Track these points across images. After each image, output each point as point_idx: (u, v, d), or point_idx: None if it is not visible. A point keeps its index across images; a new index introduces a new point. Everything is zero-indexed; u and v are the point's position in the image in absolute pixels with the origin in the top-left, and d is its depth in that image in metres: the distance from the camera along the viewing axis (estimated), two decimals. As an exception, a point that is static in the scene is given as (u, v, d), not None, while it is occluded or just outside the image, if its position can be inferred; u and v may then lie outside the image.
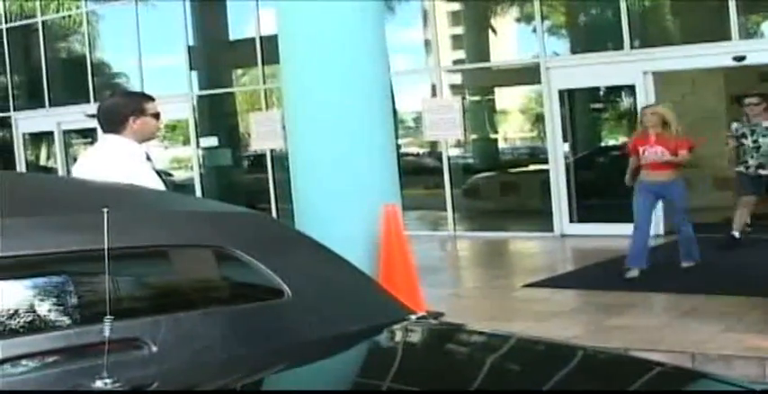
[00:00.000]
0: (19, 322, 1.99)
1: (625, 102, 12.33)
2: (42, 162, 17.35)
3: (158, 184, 4.32)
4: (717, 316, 6.35)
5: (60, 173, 16.14)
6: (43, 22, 16.26)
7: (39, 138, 17.22)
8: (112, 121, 4.61)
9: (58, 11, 16.28)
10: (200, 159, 14.95)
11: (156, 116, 4.67)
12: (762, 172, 9.15)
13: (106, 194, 2.53)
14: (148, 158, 4.66)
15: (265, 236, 2.45)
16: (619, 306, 6.75)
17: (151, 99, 4.83)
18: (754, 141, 9.19)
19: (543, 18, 11.93)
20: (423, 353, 2.45)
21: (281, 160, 12.92)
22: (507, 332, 2.84)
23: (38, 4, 16.26)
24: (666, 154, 7.72)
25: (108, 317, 1.90)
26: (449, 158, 12.71)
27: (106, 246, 1.93)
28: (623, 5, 10.94)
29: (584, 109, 12.79)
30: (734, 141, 9.35)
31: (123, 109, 4.63)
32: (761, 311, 6.28)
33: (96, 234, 1.98)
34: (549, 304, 5.65)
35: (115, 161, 4.39)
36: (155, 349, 2.02)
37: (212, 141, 14.76)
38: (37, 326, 2.01)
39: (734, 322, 6.13)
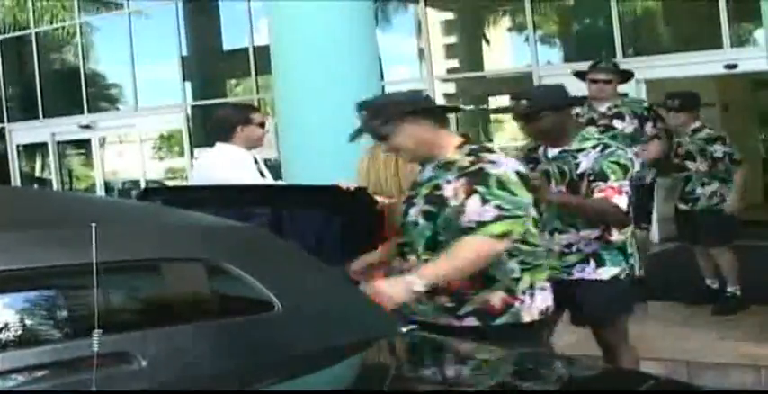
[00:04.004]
0: (8, 336, 1.99)
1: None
2: (37, 173, 17.31)
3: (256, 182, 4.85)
4: (711, 324, 6.34)
5: (55, 184, 16.13)
6: (36, 34, 16.25)
7: (33, 150, 17.18)
8: (222, 131, 5.08)
9: (51, 22, 16.27)
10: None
11: (262, 125, 5.13)
12: None
13: (96, 208, 2.53)
14: (256, 162, 5.10)
15: (256, 249, 2.45)
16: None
17: (256, 110, 5.46)
18: None
19: (536, 27, 11.95)
20: (413, 366, 2.45)
21: (274, 169, 12.89)
22: (499, 345, 2.82)
23: (31, 15, 16.26)
24: None
25: (97, 331, 1.90)
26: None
27: (95, 261, 1.93)
28: (615, 14, 10.96)
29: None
30: None
31: (232, 119, 5.10)
32: (755, 319, 6.27)
33: (86, 248, 1.98)
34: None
35: (225, 166, 4.88)
36: (144, 363, 2.02)
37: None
38: (26, 340, 2.00)
39: (728, 330, 6.12)
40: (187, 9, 14.64)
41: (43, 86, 16.14)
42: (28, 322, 2.06)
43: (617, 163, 4.08)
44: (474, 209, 3.27)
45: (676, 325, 6.40)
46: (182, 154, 15.12)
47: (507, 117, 15.34)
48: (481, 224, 3.23)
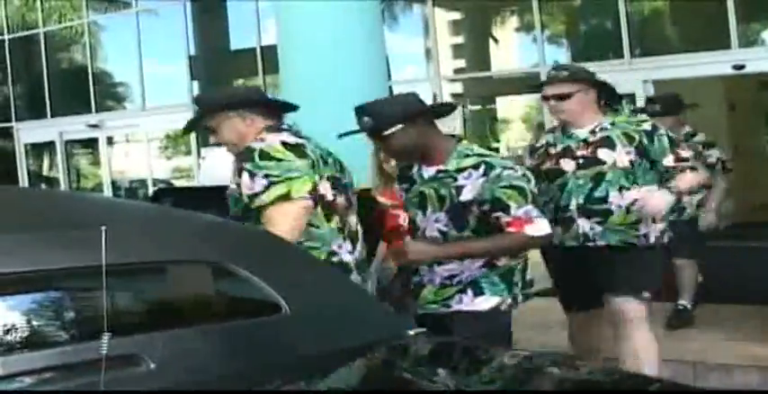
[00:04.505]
0: (17, 339, 2.00)
1: (626, 110, 12.32)
2: (45, 172, 17.36)
3: None
4: (716, 324, 6.34)
5: (62, 183, 16.17)
6: (45, 33, 16.30)
7: (40, 149, 17.23)
8: None
9: (60, 21, 16.31)
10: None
11: None
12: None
13: (103, 210, 2.54)
14: None
15: (264, 251, 2.46)
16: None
17: None
18: None
19: (543, 27, 11.95)
20: (420, 369, 2.46)
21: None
22: (504, 347, 2.84)
23: (40, 15, 16.30)
24: None
25: (106, 333, 1.91)
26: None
27: (104, 264, 1.94)
28: (623, 14, 10.96)
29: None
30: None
31: None
32: (760, 319, 6.27)
33: (93, 250, 1.99)
34: (548, 314, 5.63)
35: (229, 166, 4.79)
36: (153, 366, 2.03)
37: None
38: (34, 342, 2.01)
39: (733, 331, 6.12)
40: (195, 8, 14.67)
41: (51, 85, 16.18)
42: (36, 325, 2.07)
43: (511, 186, 3.53)
44: (246, 184, 3.40)
45: (681, 325, 6.41)
46: (188, 153, 15.15)
47: (514, 117, 15.40)
48: (254, 196, 3.37)
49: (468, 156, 3.65)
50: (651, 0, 11.70)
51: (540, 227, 3.54)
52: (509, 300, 3.68)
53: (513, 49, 13.70)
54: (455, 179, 3.61)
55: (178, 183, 15.73)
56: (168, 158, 16.42)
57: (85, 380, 1.93)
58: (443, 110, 4.02)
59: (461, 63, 14.33)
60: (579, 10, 12.45)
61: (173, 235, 2.35)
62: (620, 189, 4.36)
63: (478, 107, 14.22)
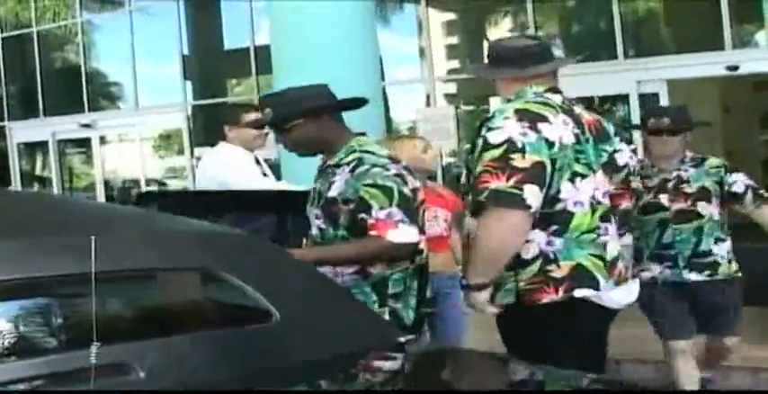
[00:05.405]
0: (5, 347, 1.98)
1: (620, 111, 12.33)
2: (37, 172, 17.30)
3: (256, 184, 4.82)
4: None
5: (55, 182, 16.12)
6: (38, 32, 16.25)
7: (33, 148, 17.17)
8: (220, 130, 5.15)
9: (54, 21, 16.27)
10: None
11: (256, 126, 4.89)
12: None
13: (93, 216, 2.52)
14: (258, 163, 5.09)
15: (254, 257, 2.44)
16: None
17: (253, 109, 5.12)
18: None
19: (537, 28, 11.93)
20: (412, 376, 2.45)
21: (274, 169, 12.89)
22: (495, 352, 2.83)
23: (33, 13, 16.25)
24: None
25: (95, 342, 1.89)
26: (443, 168, 12.68)
27: (93, 272, 1.92)
28: (617, 15, 10.95)
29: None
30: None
31: (223, 119, 5.21)
32: (756, 322, 6.26)
33: (83, 257, 1.97)
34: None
35: (218, 166, 4.93)
36: (142, 374, 2.01)
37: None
38: (23, 351, 2.00)
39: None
40: (188, 8, 14.63)
41: (44, 85, 16.13)
42: (25, 333, 2.05)
43: (375, 185, 3.29)
44: None
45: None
46: (182, 153, 15.11)
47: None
48: None
49: (353, 151, 3.48)
50: (645, 1, 11.70)
51: (404, 233, 3.25)
52: (384, 315, 3.29)
53: (506, 49, 13.68)
54: (333, 174, 3.47)
55: (171, 184, 15.71)
56: (161, 158, 16.38)
57: (74, 389, 1.91)
58: (351, 105, 3.79)
59: (455, 64, 14.31)
60: (573, 11, 12.44)
61: (162, 241, 2.33)
62: None
63: (472, 108, 14.19)
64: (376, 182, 3.28)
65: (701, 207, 4.84)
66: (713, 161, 4.97)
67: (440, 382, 2.40)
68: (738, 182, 4.86)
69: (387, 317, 3.26)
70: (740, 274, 4.98)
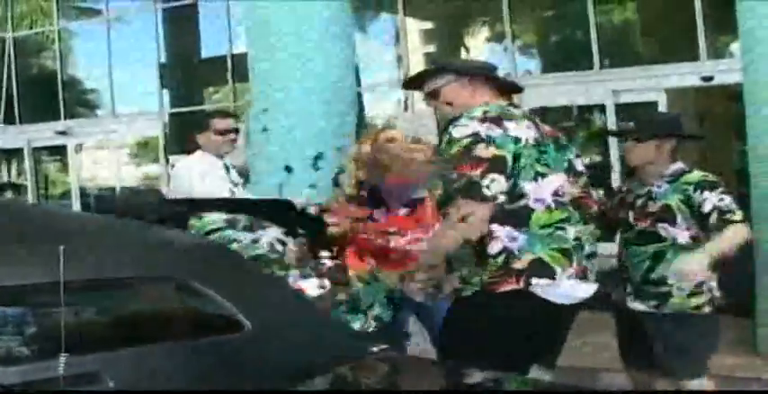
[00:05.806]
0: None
1: (597, 121, 12.39)
2: (12, 179, 17.18)
3: (222, 193, 4.84)
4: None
5: (30, 190, 16.01)
6: (14, 39, 16.15)
7: (8, 156, 17.05)
8: (190, 137, 5.21)
9: (30, 28, 16.18)
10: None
11: (222, 132, 5.03)
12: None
13: (66, 224, 2.51)
14: (228, 170, 5.09)
15: (224, 267, 2.44)
16: (594, 324, 6.68)
17: (226, 116, 5.29)
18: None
19: (514, 37, 11.99)
20: (383, 388, 2.45)
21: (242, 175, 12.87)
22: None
23: (10, 20, 16.15)
24: None
25: (63, 353, 1.88)
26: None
27: (62, 282, 1.91)
28: (593, 25, 11.01)
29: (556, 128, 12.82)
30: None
31: (194, 126, 5.22)
32: (731, 330, 6.27)
33: (55, 265, 1.95)
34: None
35: (184, 174, 4.98)
36: (111, 384, 2.00)
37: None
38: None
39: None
40: (166, 16, 14.61)
41: (20, 92, 16.03)
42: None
43: None
44: None
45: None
46: (158, 161, 15.06)
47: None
48: None
49: None
50: (621, 12, 11.77)
51: None
52: None
53: (484, 58, 13.73)
54: None
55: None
56: (137, 166, 16.31)
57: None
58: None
59: (433, 72, 14.36)
60: (550, 20, 12.51)
61: (134, 251, 2.32)
62: None
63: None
64: None
65: (662, 229, 4.22)
66: (691, 176, 4.29)
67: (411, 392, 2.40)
68: (707, 201, 4.12)
69: None
70: (707, 310, 4.25)
